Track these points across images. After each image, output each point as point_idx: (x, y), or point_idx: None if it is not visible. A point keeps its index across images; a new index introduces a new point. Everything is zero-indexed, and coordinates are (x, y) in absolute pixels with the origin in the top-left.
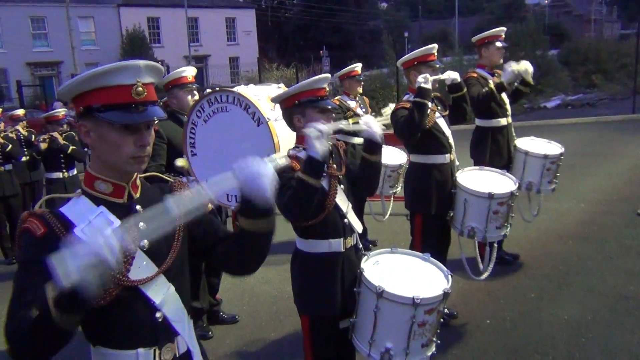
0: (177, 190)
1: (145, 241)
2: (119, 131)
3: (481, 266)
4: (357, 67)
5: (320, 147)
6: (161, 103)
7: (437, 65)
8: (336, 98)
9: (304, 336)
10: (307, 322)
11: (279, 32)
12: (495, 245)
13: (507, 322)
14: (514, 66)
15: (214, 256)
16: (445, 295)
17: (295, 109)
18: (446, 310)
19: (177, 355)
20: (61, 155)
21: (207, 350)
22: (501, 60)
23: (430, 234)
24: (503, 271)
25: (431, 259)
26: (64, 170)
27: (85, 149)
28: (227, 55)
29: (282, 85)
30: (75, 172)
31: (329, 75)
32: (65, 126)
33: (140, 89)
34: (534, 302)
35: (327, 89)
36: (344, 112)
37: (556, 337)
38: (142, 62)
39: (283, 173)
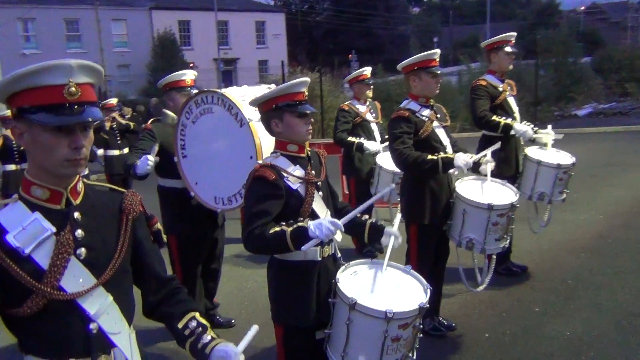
0: (130, 203)
1: (83, 249)
2: (52, 133)
3: (479, 278)
4: (366, 70)
5: (327, 236)
6: (156, 101)
7: (438, 72)
8: (346, 103)
9: (277, 345)
10: (280, 331)
11: (308, 36)
12: (494, 257)
13: (506, 336)
14: (543, 138)
15: (143, 293)
16: (421, 310)
17: (273, 113)
18: (445, 322)
19: None
20: None
21: None
22: (511, 66)
23: (426, 244)
24: (509, 283)
25: (412, 271)
26: None
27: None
28: (256, 58)
29: (272, 86)
30: (86, 172)
31: (307, 79)
32: None
33: (73, 89)
34: (537, 317)
35: (306, 93)
36: (353, 118)
37: (555, 355)
38: (73, 62)
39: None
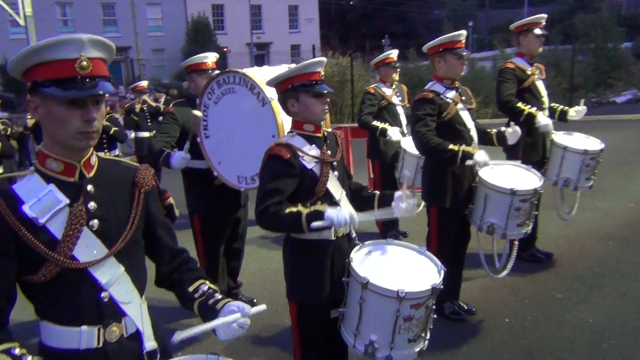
0: (142, 177)
1: (95, 221)
2: (65, 106)
3: (498, 264)
4: (393, 53)
5: (340, 224)
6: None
7: (464, 53)
8: (372, 86)
9: (292, 323)
10: (294, 308)
11: (341, 20)
12: (516, 242)
13: (527, 322)
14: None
15: (156, 264)
16: (434, 290)
17: (289, 93)
18: (465, 306)
19: (125, 336)
20: (103, 135)
21: None
22: (540, 49)
23: (446, 227)
24: (532, 269)
25: (427, 252)
26: (106, 151)
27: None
28: (288, 43)
29: (292, 65)
30: (117, 152)
31: (324, 59)
32: (108, 108)
33: (84, 63)
34: (560, 303)
35: (322, 73)
36: (379, 101)
37: (576, 342)
38: (85, 36)
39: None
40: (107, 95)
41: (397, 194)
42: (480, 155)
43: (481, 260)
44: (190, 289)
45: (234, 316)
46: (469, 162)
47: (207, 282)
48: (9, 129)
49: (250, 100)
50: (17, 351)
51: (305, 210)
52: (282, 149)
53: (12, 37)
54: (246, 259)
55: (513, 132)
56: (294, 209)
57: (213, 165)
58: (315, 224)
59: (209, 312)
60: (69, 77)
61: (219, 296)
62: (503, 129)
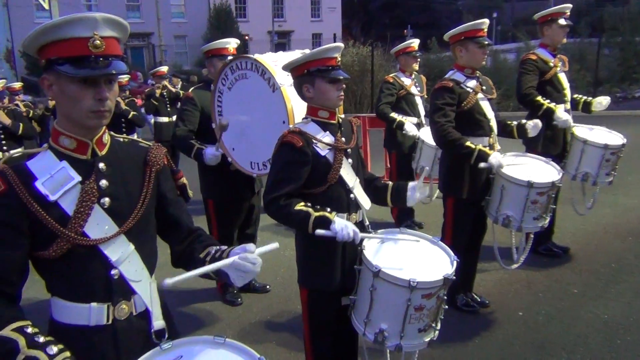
0: (154, 156)
1: (107, 199)
2: (78, 84)
3: (515, 256)
4: (414, 43)
5: (342, 239)
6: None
7: (486, 42)
8: (391, 75)
9: (302, 308)
10: (305, 294)
11: (364, 10)
12: (532, 235)
13: (540, 316)
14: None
15: (170, 244)
16: (446, 281)
17: (305, 78)
18: (478, 298)
19: (134, 314)
20: (122, 119)
21: (234, 317)
22: (564, 40)
23: (462, 219)
24: (548, 263)
25: (440, 242)
26: (125, 134)
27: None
28: (310, 32)
29: (306, 51)
30: (135, 136)
31: (340, 44)
32: (127, 92)
33: (97, 42)
34: (575, 299)
35: (339, 58)
36: (397, 90)
37: (590, 337)
38: (98, 15)
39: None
40: (125, 79)
41: (411, 184)
42: (494, 158)
43: (495, 252)
44: (202, 255)
45: (235, 256)
46: (481, 165)
47: (218, 246)
48: (31, 112)
49: (262, 86)
50: (29, 330)
51: (314, 214)
52: (295, 136)
53: (37, 20)
54: (260, 245)
55: (534, 126)
56: (303, 208)
57: (227, 151)
58: (320, 232)
59: (217, 260)
60: (82, 55)
61: (227, 249)
62: (524, 121)
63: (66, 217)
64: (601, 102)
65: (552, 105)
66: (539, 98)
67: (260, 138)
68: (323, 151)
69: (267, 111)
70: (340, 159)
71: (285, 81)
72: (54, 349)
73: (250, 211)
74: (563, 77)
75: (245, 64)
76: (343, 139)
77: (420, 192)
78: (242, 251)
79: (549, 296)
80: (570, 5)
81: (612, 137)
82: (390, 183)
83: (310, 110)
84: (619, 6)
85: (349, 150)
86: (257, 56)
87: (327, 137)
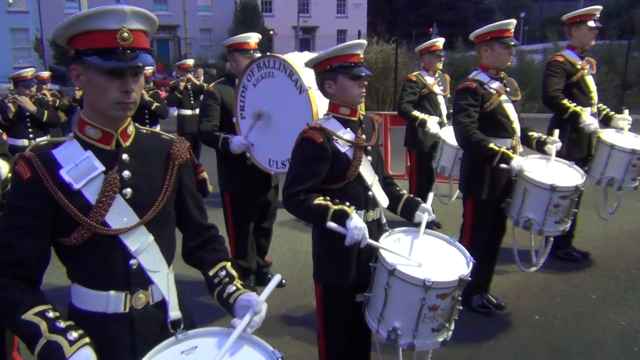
0: (178, 150)
1: (129, 190)
2: (105, 76)
3: (534, 260)
4: (439, 42)
5: (351, 238)
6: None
7: (512, 43)
8: (414, 73)
9: (317, 303)
10: (320, 289)
11: (390, 7)
12: (552, 239)
13: (557, 320)
14: (619, 123)
15: (183, 237)
16: (461, 281)
17: (327, 74)
18: (494, 300)
19: (151, 303)
20: (146, 111)
21: None
22: (593, 42)
23: (481, 220)
24: (567, 268)
25: (457, 243)
26: (148, 126)
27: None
28: (335, 28)
29: None
30: (158, 128)
31: (364, 41)
32: (151, 84)
33: (125, 34)
34: (593, 304)
35: (362, 55)
36: (420, 89)
37: (606, 343)
38: (127, 8)
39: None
40: (149, 70)
41: (423, 205)
42: (516, 162)
43: (514, 255)
44: (211, 273)
45: (244, 323)
46: (502, 166)
47: (227, 265)
48: (58, 101)
49: (288, 87)
50: (50, 314)
51: (333, 207)
52: (316, 132)
53: (67, 11)
54: (277, 240)
55: (553, 147)
56: (322, 202)
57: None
58: (332, 224)
59: (224, 305)
60: (110, 47)
61: (232, 288)
62: (544, 137)
63: (88, 206)
64: (621, 124)
65: (579, 108)
66: (565, 101)
67: (282, 137)
68: (343, 148)
69: (292, 111)
70: (360, 156)
71: (312, 84)
72: (74, 334)
73: (266, 205)
74: (590, 80)
75: (274, 63)
76: (363, 136)
77: (428, 215)
78: (247, 303)
79: (566, 301)
80: (601, 7)
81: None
82: (405, 195)
83: (332, 107)
84: None
85: (368, 147)
86: (286, 56)
87: (348, 134)
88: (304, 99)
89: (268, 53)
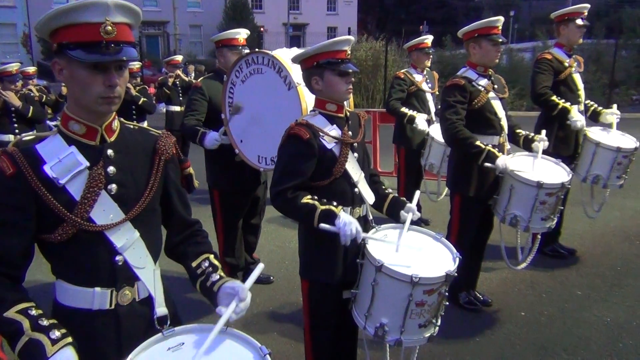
0: (164, 145)
1: (114, 186)
2: (88, 70)
3: (520, 256)
4: (427, 39)
5: (344, 235)
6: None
7: (500, 40)
8: (402, 71)
9: (303, 300)
10: (306, 286)
11: (380, 4)
12: (539, 236)
13: (543, 317)
14: (608, 118)
15: (167, 233)
16: (448, 277)
17: (314, 70)
18: (480, 297)
19: (137, 300)
20: (133, 106)
21: None
22: (580, 40)
23: (468, 216)
24: (553, 264)
25: (443, 239)
26: (135, 121)
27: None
28: (325, 25)
29: None
30: (145, 124)
31: (351, 37)
32: (138, 79)
33: (109, 27)
34: (579, 300)
35: (349, 52)
36: (408, 86)
37: (592, 339)
38: (110, 0)
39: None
40: (136, 66)
41: (408, 205)
42: (501, 161)
43: (502, 252)
44: (194, 264)
45: (230, 310)
46: (487, 165)
47: (211, 256)
48: (44, 96)
49: (277, 83)
50: (33, 312)
51: (320, 207)
52: (302, 128)
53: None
54: (266, 237)
55: (540, 144)
56: (310, 202)
57: (235, 142)
58: (324, 226)
59: (208, 294)
60: (93, 41)
61: (216, 276)
62: (532, 135)
63: (73, 202)
64: (610, 118)
65: (568, 104)
66: (554, 97)
67: (271, 133)
68: (329, 144)
69: (281, 108)
70: (346, 152)
71: (301, 80)
72: (56, 333)
73: (255, 202)
74: (578, 78)
75: (262, 59)
76: (350, 132)
77: (412, 214)
78: (232, 290)
79: (552, 297)
80: (588, 5)
81: (625, 140)
82: (391, 195)
83: (318, 103)
84: (637, 8)
85: (355, 144)
86: (275, 52)
87: (334, 131)
88: (293, 96)
89: (257, 49)
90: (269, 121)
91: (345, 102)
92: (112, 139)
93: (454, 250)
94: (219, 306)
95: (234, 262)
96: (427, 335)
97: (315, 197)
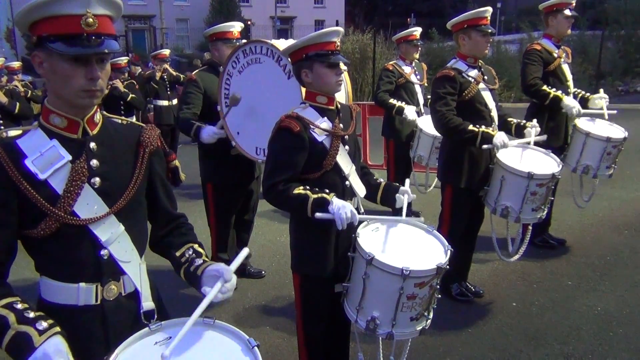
0: (148, 137)
1: (97, 179)
2: (69, 63)
3: (510, 247)
4: (416, 31)
5: (340, 219)
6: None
7: (489, 30)
8: (391, 62)
9: (295, 294)
10: (298, 280)
11: None
12: (530, 227)
13: (534, 307)
14: (597, 102)
15: (152, 226)
16: (439, 270)
17: (303, 62)
18: (472, 288)
19: (123, 294)
20: (121, 102)
21: (229, 302)
22: (569, 31)
23: (459, 208)
24: (544, 255)
25: (435, 231)
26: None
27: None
28: (313, 18)
29: None
30: (134, 119)
31: (340, 28)
32: (126, 74)
33: (90, 20)
34: (569, 291)
35: (338, 43)
36: (397, 78)
37: (583, 329)
38: None
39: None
40: (124, 61)
41: (402, 188)
42: (498, 137)
43: (493, 243)
44: (178, 253)
45: (215, 290)
46: (485, 147)
47: (195, 245)
48: (30, 92)
49: (276, 72)
50: (19, 306)
51: (312, 196)
52: (292, 121)
53: None
54: (257, 231)
55: (533, 130)
56: (302, 192)
57: (232, 135)
58: (319, 215)
59: (192, 279)
60: (74, 33)
61: (199, 261)
62: (523, 122)
63: (55, 196)
64: (599, 102)
65: (559, 93)
66: (545, 87)
67: (269, 124)
68: (320, 137)
69: (280, 97)
70: (337, 145)
71: None
72: (43, 324)
73: (248, 197)
74: (567, 69)
75: (260, 49)
76: (341, 125)
77: (408, 197)
78: (216, 272)
79: (543, 287)
80: None
81: (614, 130)
82: (383, 183)
83: (309, 96)
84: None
85: (346, 136)
86: (273, 41)
87: (325, 123)
88: (292, 84)
89: (255, 39)
90: (267, 111)
91: (343, 95)
92: (95, 131)
93: (446, 242)
94: (203, 287)
95: (226, 257)
96: (419, 328)
97: (308, 187)
